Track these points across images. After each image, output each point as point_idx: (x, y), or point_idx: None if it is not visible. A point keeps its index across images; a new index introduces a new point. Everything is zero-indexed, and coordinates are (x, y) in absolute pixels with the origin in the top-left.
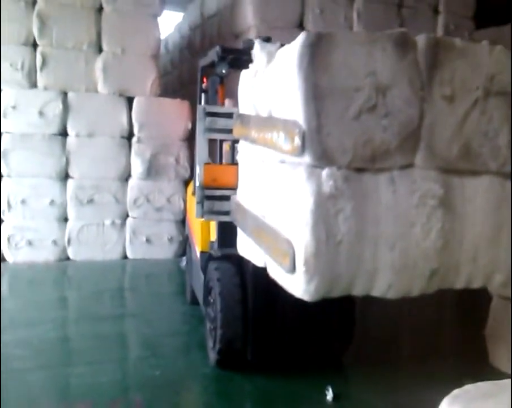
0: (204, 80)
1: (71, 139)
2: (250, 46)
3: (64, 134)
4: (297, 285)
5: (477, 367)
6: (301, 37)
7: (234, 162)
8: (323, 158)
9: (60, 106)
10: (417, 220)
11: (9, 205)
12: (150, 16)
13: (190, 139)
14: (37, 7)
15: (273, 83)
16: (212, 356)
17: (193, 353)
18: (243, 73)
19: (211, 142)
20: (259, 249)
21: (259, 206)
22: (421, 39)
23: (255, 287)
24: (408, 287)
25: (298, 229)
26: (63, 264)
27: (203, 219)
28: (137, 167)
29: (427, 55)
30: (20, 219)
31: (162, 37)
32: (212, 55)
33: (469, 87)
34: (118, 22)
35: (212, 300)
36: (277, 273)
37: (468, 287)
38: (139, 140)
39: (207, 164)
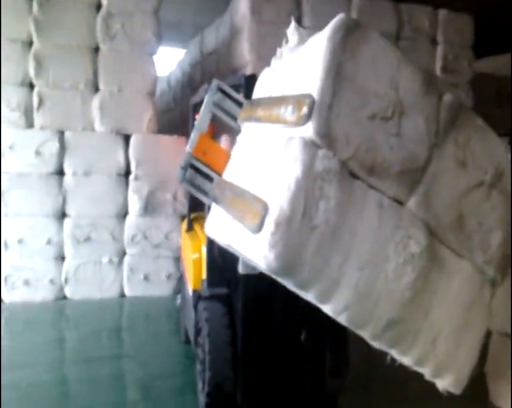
0: (196, 117)
1: (67, 178)
2: (238, 82)
3: (61, 173)
4: (259, 249)
5: (478, 406)
6: (339, 16)
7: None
8: (325, 137)
9: (57, 145)
10: (393, 257)
11: (6, 245)
12: (146, 55)
13: None
14: (33, 48)
15: (297, 62)
16: (202, 399)
17: (185, 396)
18: (266, 69)
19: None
20: (227, 224)
21: (244, 179)
22: (448, 95)
23: (244, 328)
24: (362, 321)
25: (278, 192)
26: (60, 304)
27: (192, 257)
28: (134, 204)
29: (449, 110)
30: (17, 259)
31: (165, 74)
32: (202, 92)
33: (479, 166)
34: (114, 61)
35: (201, 341)
36: (240, 243)
37: (417, 367)
38: (136, 178)
39: (203, 134)
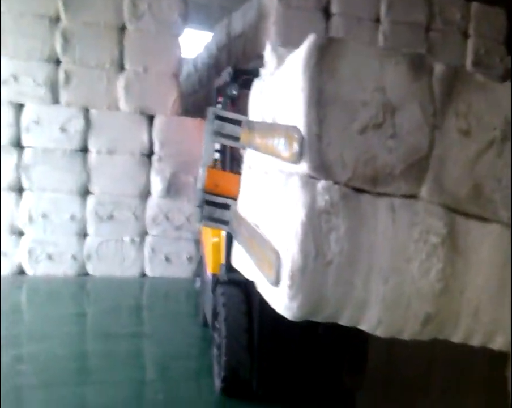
0: (220, 99)
1: (92, 156)
2: (259, 67)
3: (85, 150)
4: (280, 300)
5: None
6: (310, 38)
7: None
8: (321, 169)
9: (82, 122)
10: (416, 256)
11: (30, 219)
12: (172, 36)
13: None
14: (60, 25)
15: (279, 87)
16: (217, 383)
17: (200, 379)
18: (256, 81)
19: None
20: (250, 261)
21: (255, 216)
22: (438, 66)
23: (261, 315)
24: (399, 327)
25: (286, 241)
26: (81, 279)
27: (212, 241)
28: (157, 185)
29: (443, 83)
30: (40, 233)
31: (192, 56)
32: (225, 76)
33: (486, 125)
34: (140, 41)
35: (218, 326)
36: (263, 287)
37: (466, 342)
38: (159, 159)
39: (210, 167)
